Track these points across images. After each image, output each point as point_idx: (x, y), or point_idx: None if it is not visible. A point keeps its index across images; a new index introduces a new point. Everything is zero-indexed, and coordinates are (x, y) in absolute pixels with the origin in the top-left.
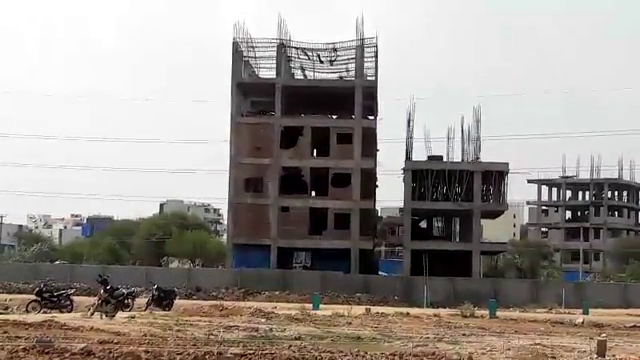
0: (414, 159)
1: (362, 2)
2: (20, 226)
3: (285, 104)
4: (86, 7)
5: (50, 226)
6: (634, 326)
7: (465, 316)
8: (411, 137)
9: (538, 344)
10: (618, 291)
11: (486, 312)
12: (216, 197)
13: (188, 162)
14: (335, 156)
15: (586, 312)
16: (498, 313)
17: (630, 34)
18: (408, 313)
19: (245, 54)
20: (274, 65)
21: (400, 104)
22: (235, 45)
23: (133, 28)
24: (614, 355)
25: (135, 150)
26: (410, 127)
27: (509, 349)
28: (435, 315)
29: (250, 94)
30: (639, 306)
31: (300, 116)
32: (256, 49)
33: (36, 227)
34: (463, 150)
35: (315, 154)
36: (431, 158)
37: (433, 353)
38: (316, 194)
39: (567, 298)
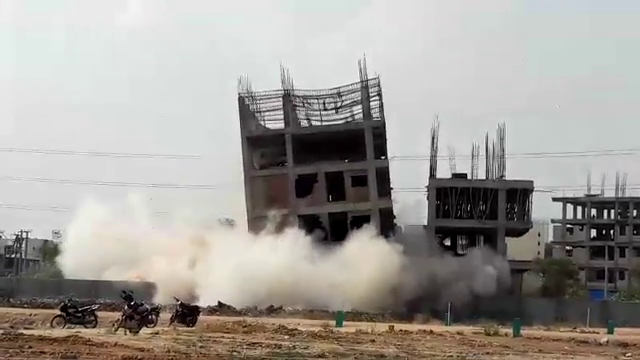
0: (438, 177)
1: (387, 22)
2: (45, 241)
3: (295, 152)
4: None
5: None
6: None
7: (489, 334)
8: (435, 155)
9: None
10: None
11: (510, 330)
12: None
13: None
14: (351, 199)
15: (611, 331)
16: (522, 331)
17: None
18: (432, 331)
19: (251, 107)
20: (281, 115)
21: (424, 121)
22: (241, 99)
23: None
24: None
25: (159, 164)
26: (434, 145)
27: None
28: (458, 333)
29: (259, 145)
30: None
31: (312, 163)
32: (261, 101)
33: (61, 242)
34: (487, 168)
35: (331, 199)
36: (455, 176)
37: None
38: (336, 239)
39: (592, 317)
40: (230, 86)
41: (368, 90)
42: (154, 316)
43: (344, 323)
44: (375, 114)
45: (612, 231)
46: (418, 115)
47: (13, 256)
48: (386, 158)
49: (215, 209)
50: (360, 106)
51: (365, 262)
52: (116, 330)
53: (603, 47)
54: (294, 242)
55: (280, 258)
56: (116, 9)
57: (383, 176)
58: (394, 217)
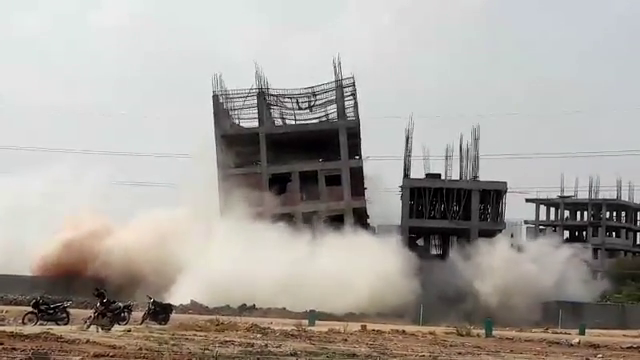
0: (412, 177)
1: (363, 22)
2: None
3: (269, 151)
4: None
5: None
6: (630, 347)
7: (461, 335)
8: (409, 155)
9: None
10: (615, 312)
11: (482, 331)
12: None
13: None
14: (325, 199)
15: (582, 332)
16: (495, 332)
17: (624, 55)
18: (404, 331)
19: (225, 106)
20: (255, 113)
21: (399, 122)
22: (215, 98)
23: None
24: None
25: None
26: (409, 145)
27: None
28: (431, 333)
29: (234, 144)
30: (636, 327)
31: (286, 162)
32: (235, 99)
33: None
34: (461, 169)
35: (305, 197)
36: (429, 176)
37: None
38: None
39: (564, 318)
40: (204, 84)
41: (343, 90)
42: (126, 314)
43: (317, 322)
44: (350, 114)
45: (585, 233)
46: (392, 115)
47: None
48: (360, 158)
49: (188, 207)
50: (334, 106)
51: (354, 259)
52: (88, 327)
53: (576, 49)
54: (268, 241)
55: (253, 257)
56: (86, 8)
57: (358, 176)
58: (368, 217)
